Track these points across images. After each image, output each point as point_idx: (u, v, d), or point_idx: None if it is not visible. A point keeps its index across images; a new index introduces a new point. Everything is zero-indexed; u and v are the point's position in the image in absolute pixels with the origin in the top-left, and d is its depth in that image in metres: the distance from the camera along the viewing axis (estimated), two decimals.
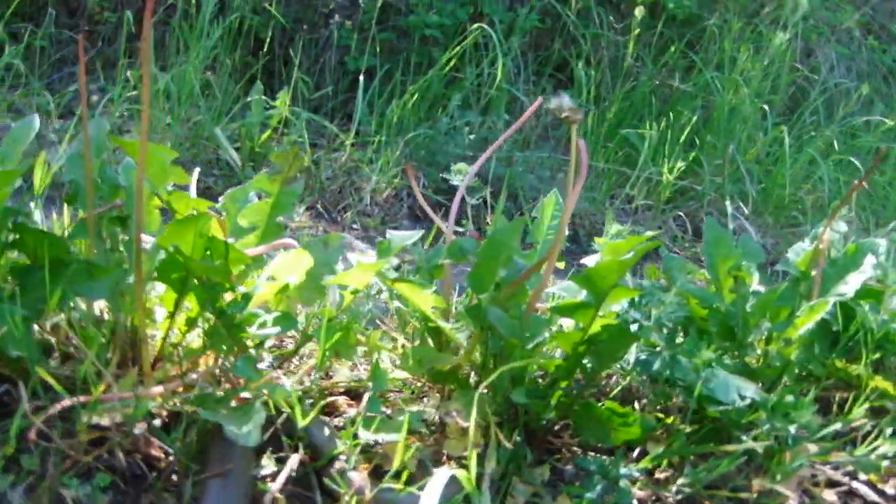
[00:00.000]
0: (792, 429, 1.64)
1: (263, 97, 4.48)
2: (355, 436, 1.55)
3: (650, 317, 1.74)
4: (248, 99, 4.52)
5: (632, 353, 1.70)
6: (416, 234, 1.68)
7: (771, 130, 5.34)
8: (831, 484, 1.85)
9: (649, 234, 1.52)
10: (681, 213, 4.76)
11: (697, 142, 5.10)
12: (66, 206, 1.99)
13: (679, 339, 1.78)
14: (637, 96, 5.19)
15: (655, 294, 1.74)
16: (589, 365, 1.63)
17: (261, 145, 4.46)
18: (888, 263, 2.20)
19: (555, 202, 1.92)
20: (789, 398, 1.68)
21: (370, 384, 1.65)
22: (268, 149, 4.46)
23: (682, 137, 4.89)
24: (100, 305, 1.83)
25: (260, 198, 1.88)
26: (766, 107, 5.33)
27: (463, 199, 1.86)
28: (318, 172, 4.47)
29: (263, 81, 4.60)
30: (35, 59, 4.64)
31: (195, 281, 1.58)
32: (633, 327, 1.66)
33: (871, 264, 2.19)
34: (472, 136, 4.74)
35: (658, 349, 1.68)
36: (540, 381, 1.74)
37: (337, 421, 1.76)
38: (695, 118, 4.97)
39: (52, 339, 1.77)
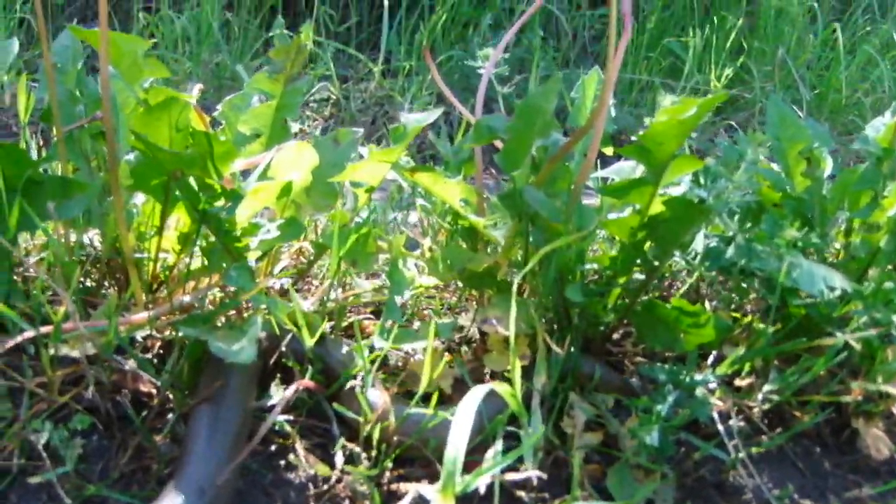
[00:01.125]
0: None
1: (286, 31, 4.22)
2: (372, 349, 1.30)
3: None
4: (270, 34, 4.27)
5: (698, 244, 1.42)
6: (435, 114, 1.41)
7: (822, 31, 5.00)
8: None
9: (721, 93, 1.23)
10: (732, 123, 4.45)
11: (745, 48, 4.79)
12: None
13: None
14: (678, 4, 4.85)
15: (720, 173, 1.47)
16: (651, 254, 1.35)
17: None
18: None
19: (597, 80, 1.65)
20: (889, 284, 1.41)
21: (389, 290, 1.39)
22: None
23: (728, 44, 4.59)
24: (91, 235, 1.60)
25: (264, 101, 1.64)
26: (815, 5, 4.98)
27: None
28: (349, 105, 4.23)
29: (285, 17, 4.33)
30: None
31: (180, 188, 1.33)
32: None
33: None
34: (506, 56, 4.45)
35: (731, 234, 1.41)
36: (593, 284, 1.47)
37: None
38: (739, 23, 4.64)
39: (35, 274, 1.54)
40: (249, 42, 4.30)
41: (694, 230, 1.32)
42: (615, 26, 1.29)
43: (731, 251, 1.39)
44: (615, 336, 1.56)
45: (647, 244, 1.34)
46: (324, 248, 1.52)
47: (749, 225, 1.43)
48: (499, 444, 1.17)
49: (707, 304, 1.64)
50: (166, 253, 1.53)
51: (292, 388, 1.25)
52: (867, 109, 4.67)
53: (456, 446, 1.03)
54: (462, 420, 1.06)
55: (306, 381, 1.27)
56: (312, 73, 4.27)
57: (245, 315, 1.46)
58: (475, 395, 1.09)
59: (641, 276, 1.41)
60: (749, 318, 1.54)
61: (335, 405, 1.27)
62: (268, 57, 4.03)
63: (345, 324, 1.57)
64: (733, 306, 1.61)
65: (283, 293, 1.61)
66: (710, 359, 1.50)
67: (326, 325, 1.46)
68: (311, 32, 4.39)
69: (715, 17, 4.73)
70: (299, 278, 1.64)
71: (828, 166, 1.86)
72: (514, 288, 1.24)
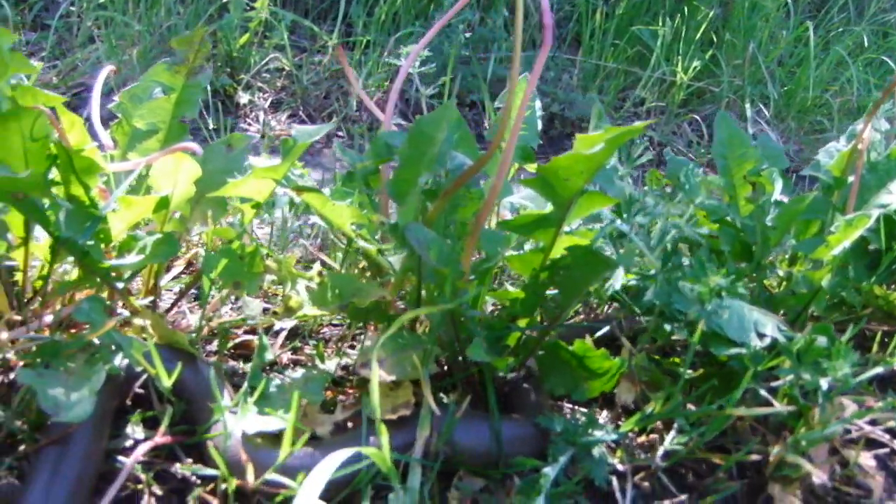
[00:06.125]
0: (824, 383, 1.23)
1: None
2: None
3: (648, 233, 1.35)
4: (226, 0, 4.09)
5: (618, 279, 1.29)
6: (327, 127, 1.28)
7: (795, 29, 4.88)
8: (869, 443, 1.47)
9: (638, 124, 1.09)
10: (696, 117, 4.33)
11: (715, 40, 4.66)
12: None
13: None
14: None
15: (654, 204, 1.34)
16: (551, 299, 1.22)
17: (238, 50, 4.05)
18: None
19: (525, 88, 1.52)
20: (820, 340, 1.27)
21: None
22: (246, 53, 4.06)
23: (699, 35, 4.45)
24: None
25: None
26: (789, 1, 4.86)
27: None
28: (301, 77, 4.07)
29: None
30: None
31: (25, 210, 1.18)
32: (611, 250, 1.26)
33: None
34: (468, 35, 4.29)
35: (652, 273, 1.28)
36: (495, 320, 1.33)
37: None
38: (712, 14, 4.51)
39: None
40: (203, 6, 4.12)
41: (598, 280, 1.18)
42: (518, 45, 1.16)
43: (650, 293, 1.27)
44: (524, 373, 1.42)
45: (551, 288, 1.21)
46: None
47: (674, 263, 1.30)
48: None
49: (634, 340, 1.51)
50: (39, 260, 1.38)
51: (146, 445, 1.12)
52: (835, 111, 4.56)
53: None
54: (307, 495, 0.93)
55: (161, 439, 1.14)
56: (267, 42, 4.11)
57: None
58: (325, 469, 0.96)
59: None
60: (674, 358, 1.42)
61: (181, 466, 1.14)
62: (221, 24, 3.80)
63: (235, 342, 1.44)
64: (658, 344, 1.48)
65: (175, 302, 1.47)
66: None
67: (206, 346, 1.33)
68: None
69: (686, 7, 4.59)
70: (182, 296, 1.49)
71: (776, 190, 1.73)
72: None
